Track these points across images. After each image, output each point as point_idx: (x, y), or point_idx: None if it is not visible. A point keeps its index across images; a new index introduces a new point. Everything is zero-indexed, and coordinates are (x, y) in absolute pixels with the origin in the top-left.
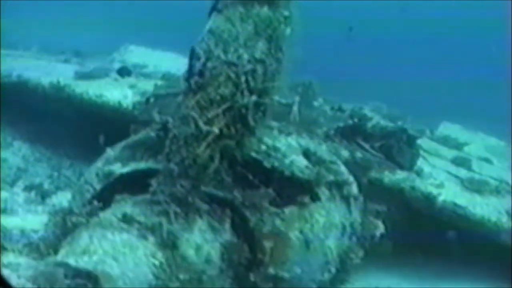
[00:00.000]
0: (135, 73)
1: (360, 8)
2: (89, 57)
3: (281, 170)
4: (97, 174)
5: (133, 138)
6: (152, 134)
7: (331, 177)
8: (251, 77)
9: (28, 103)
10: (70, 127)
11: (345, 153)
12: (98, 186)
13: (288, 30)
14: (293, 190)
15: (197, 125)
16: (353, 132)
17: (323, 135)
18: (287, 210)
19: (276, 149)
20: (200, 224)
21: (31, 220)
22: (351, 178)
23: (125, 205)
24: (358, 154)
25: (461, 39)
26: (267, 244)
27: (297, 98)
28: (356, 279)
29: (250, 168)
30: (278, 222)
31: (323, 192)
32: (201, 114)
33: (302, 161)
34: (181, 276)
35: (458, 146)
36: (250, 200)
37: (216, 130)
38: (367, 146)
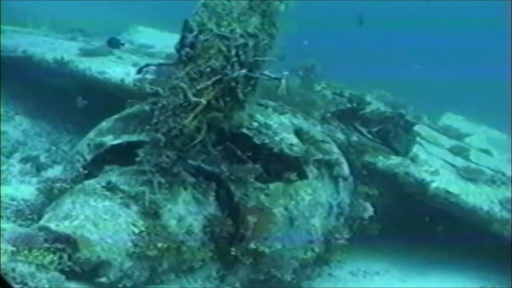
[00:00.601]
0: (141, 53)
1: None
2: (97, 36)
3: (271, 146)
4: (88, 145)
5: (127, 111)
6: (146, 107)
7: (320, 156)
8: (242, 51)
9: (33, 78)
10: (72, 102)
11: (340, 136)
12: (89, 157)
13: (282, 6)
14: (280, 166)
15: (186, 96)
16: (350, 116)
17: (320, 117)
18: (272, 185)
19: (267, 126)
20: (185, 195)
21: (24, 190)
22: (342, 159)
23: (111, 175)
24: (354, 138)
25: (466, 36)
26: (251, 219)
27: (286, 73)
28: (345, 262)
29: (240, 143)
30: (262, 197)
31: (311, 171)
32: (191, 85)
33: (292, 139)
34: (160, 245)
35: (459, 136)
36: (237, 174)
37: (203, 101)
38: (364, 130)
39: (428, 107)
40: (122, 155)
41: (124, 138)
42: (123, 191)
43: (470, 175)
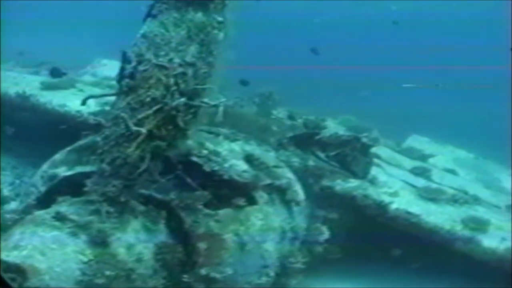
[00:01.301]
0: (103, 85)
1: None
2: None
3: (220, 173)
4: (42, 177)
5: (80, 142)
6: (98, 138)
7: (270, 181)
8: (181, 80)
9: None
10: (35, 136)
11: (296, 161)
12: (43, 188)
13: (221, 35)
14: (230, 192)
15: (127, 126)
16: (307, 141)
17: (275, 143)
18: (221, 212)
19: (216, 153)
20: (135, 224)
21: None
22: (296, 184)
23: (62, 205)
24: (311, 162)
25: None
26: (201, 245)
27: (223, 100)
28: (306, 284)
29: (192, 170)
30: (212, 223)
31: (261, 196)
32: (132, 115)
33: (241, 165)
34: (108, 273)
35: (422, 157)
36: (185, 202)
37: (144, 130)
38: (322, 155)
39: (395, 129)
40: (76, 186)
41: (77, 169)
42: (72, 221)
43: (431, 195)
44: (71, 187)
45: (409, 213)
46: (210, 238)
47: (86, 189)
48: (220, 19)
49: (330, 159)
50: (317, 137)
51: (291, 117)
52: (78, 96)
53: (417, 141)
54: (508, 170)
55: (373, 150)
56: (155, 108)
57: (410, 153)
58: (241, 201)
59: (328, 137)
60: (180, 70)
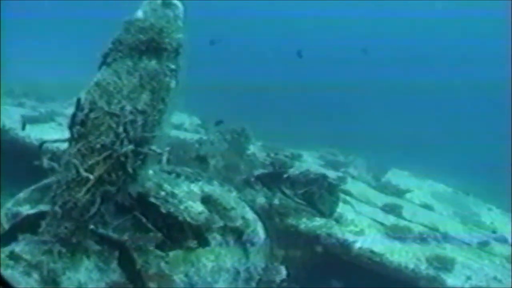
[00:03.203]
0: None
1: None
2: (49, 100)
3: (175, 215)
4: (6, 215)
5: (44, 181)
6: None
7: (225, 223)
8: (131, 127)
9: None
10: (15, 168)
11: (261, 199)
12: (6, 226)
13: (173, 83)
14: (183, 234)
15: (78, 171)
16: (275, 179)
17: (242, 181)
18: (172, 253)
19: (174, 195)
20: (87, 263)
21: None
22: (254, 225)
23: (18, 244)
24: (276, 201)
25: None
26: (152, 286)
27: (166, 149)
28: None
29: (149, 211)
30: (163, 264)
31: (214, 238)
32: (83, 161)
33: (197, 207)
34: None
35: (398, 192)
36: (137, 242)
37: (91, 177)
38: (290, 193)
39: (378, 161)
40: (38, 224)
41: (40, 208)
42: (25, 260)
43: (398, 233)
44: (33, 225)
45: (372, 252)
46: (160, 278)
47: (40, 230)
48: (173, 66)
49: (298, 197)
50: (285, 175)
51: (268, 154)
52: (56, 130)
53: (396, 175)
54: (487, 204)
55: (346, 187)
56: (104, 154)
57: (386, 188)
58: (193, 243)
59: (296, 176)
60: (130, 117)
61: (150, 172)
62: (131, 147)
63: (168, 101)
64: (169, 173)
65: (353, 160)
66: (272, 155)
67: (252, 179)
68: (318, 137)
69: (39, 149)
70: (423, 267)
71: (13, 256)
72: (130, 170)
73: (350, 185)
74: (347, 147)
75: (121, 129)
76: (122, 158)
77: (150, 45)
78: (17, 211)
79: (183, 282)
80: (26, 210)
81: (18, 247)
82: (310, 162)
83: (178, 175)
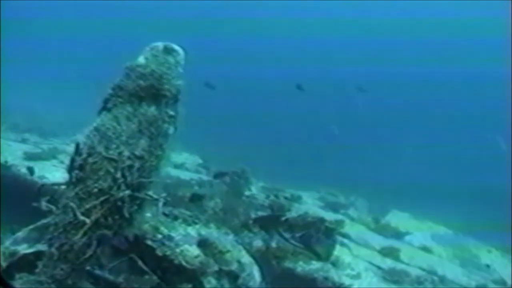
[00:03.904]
0: None
1: None
2: (52, 136)
3: (171, 258)
4: (3, 253)
5: (42, 221)
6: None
7: (220, 267)
8: (128, 173)
9: None
10: (17, 204)
11: (258, 242)
12: (4, 264)
13: (171, 129)
14: (178, 278)
15: (75, 215)
16: (273, 222)
17: (240, 224)
18: None
19: (170, 238)
20: None
21: None
22: (250, 268)
23: (16, 283)
24: (273, 244)
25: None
26: None
27: (163, 195)
28: None
29: (145, 253)
30: None
31: (209, 282)
32: (80, 204)
33: (193, 251)
34: None
35: (397, 235)
36: (132, 285)
37: (87, 220)
38: (288, 236)
39: (378, 202)
40: (35, 264)
41: (37, 247)
42: None
43: (394, 277)
44: (31, 264)
45: None
46: None
47: (36, 270)
48: (171, 113)
49: (295, 240)
50: (283, 218)
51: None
52: (58, 167)
53: (396, 217)
54: (487, 246)
55: (344, 229)
56: (102, 199)
57: (385, 230)
58: (187, 287)
59: (294, 219)
60: (128, 162)
61: (148, 214)
62: (128, 192)
63: (165, 147)
64: (167, 215)
65: (354, 201)
66: (271, 197)
67: (250, 222)
68: (319, 176)
69: (38, 191)
70: None
71: None
72: (126, 214)
73: (349, 227)
74: (348, 187)
75: (119, 174)
76: (119, 203)
77: (150, 92)
78: (15, 250)
79: None
80: (24, 249)
81: (16, 286)
82: (309, 204)
83: (176, 218)
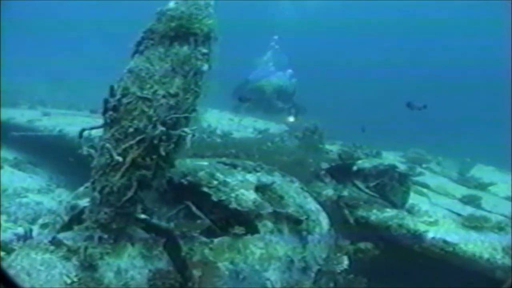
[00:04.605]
0: None
1: None
2: None
3: (226, 203)
4: (65, 208)
5: None
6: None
7: (278, 210)
8: (163, 111)
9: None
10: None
11: (328, 192)
12: (66, 218)
13: (205, 66)
14: (233, 221)
15: (111, 156)
16: (345, 172)
17: (309, 175)
18: (217, 240)
19: (226, 183)
20: (131, 250)
21: None
22: (315, 214)
23: (66, 232)
24: (345, 193)
25: None
26: (196, 273)
27: (194, 127)
28: None
29: (201, 200)
30: (207, 251)
31: (265, 225)
32: (116, 145)
33: (249, 195)
34: None
35: (481, 186)
36: (181, 229)
37: (120, 159)
38: (362, 185)
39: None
40: None
41: None
42: (66, 246)
43: (473, 223)
44: None
45: (445, 242)
46: (204, 265)
47: (83, 216)
48: (204, 50)
49: (370, 190)
50: (355, 168)
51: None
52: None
53: (481, 171)
54: None
55: (424, 180)
56: (138, 138)
57: (468, 182)
58: (240, 230)
59: (366, 168)
60: (163, 101)
61: (204, 163)
62: (162, 129)
63: (201, 84)
64: (226, 164)
65: (441, 161)
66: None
67: (322, 172)
68: (407, 137)
69: (79, 137)
70: (498, 256)
71: (54, 242)
72: (163, 152)
73: (429, 179)
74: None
75: (155, 113)
76: (155, 141)
77: (180, 31)
78: (76, 204)
79: (229, 269)
80: (84, 203)
81: (61, 234)
82: (390, 160)
83: (235, 166)
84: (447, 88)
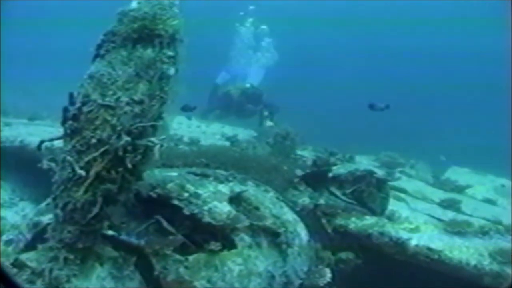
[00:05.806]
0: None
1: None
2: None
3: (199, 217)
4: (27, 225)
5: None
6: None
7: (253, 222)
8: (128, 119)
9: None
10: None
11: (304, 200)
12: (29, 236)
13: (172, 70)
14: (207, 237)
15: (73, 169)
16: (320, 179)
17: (284, 182)
18: (192, 258)
19: (197, 196)
20: (100, 271)
21: None
22: (294, 225)
23: (29, 252)
24: (321, 201)
25: None
26: None
27: (163, 137)
28: None
29: (172, 214)
30: (182, 270)
31: (242, 239)
32: (78, 158)
33: (223, 208)
34: None
35: (458, 189)
36: (154, 247)
37: (83, 173)
38: (338, 192)
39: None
40: None
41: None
42: (29, 268)
43: (456, 228)
44: None
45: (430, 249)
46: (179, 285)
47: (46, 236)
48: (170, 53)
49: (347, 197)
50: (330, 174)
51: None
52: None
53: (456, 173)
54: None
55: (401, 184)
56: (101, 149)
57: (444, 185)
58: (215, 245)
59: (342, 174)
60: (127, 108)
61: (174, 174)
62: (128, 139)
63: (168, 89)
64: (197, 175)
65: (414, 164)
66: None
67: (296, 180)
68: (377, 141)
69: (38, 149)
70: (486, 262)
71: (17, 264)
72: (129, 165)
73: (406, 183)
74: (408, 152)
75: (119, 122)
76: (120, 153)
77: (144, 33)
78: (38, 220)
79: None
80: (47, 219)
81: (24, 255)
82: (364, 164)
83: (207, 176)
84: (420, 89)
